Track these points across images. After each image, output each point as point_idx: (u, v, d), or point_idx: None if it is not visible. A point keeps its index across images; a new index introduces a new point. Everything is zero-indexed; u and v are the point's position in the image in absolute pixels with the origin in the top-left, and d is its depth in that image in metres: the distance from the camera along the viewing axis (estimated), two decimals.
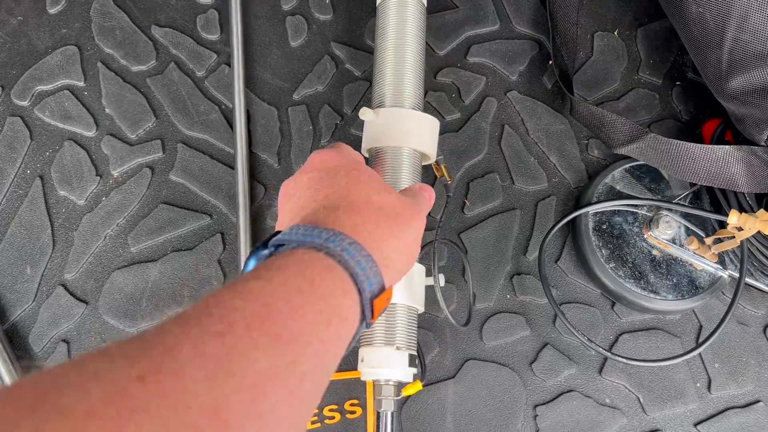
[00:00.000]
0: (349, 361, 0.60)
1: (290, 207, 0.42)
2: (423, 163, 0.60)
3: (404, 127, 0.57)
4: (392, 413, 0.52)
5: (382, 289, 0.37)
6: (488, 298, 0.63)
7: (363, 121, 0.60)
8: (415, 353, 0.53)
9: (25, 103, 0.69)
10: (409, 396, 0.60)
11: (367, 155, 0.60)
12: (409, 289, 0.53)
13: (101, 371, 0.22)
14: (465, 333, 0.62)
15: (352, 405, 0.60)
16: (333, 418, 0.60)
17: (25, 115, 0.69)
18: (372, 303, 0.36)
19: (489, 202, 0.66)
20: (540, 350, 0.62)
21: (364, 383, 0.61)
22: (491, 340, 0.62)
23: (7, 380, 0.59)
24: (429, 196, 0.49)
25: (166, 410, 0.22)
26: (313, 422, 0.59)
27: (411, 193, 0.48)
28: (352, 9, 0.73)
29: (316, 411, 0.60)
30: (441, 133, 0.68)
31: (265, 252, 0.36)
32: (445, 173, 0.61)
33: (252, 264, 0.36)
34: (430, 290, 0.57)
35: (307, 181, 0.42)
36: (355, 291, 0.35)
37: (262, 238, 0.63)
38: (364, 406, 0.60)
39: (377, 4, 0.62)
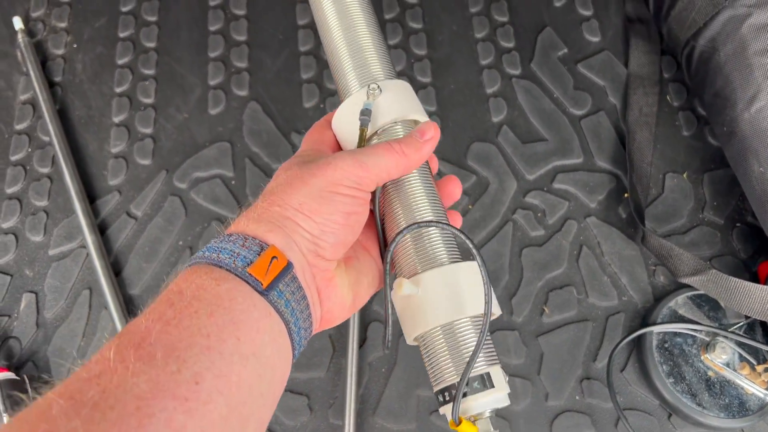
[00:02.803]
0: None
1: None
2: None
3: (391, 103, 0.42)
4: None
5: (260, 251, 0.34)
6: (559, 397, 0.73)
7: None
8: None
9: (183, 186, 0.84)
10: None
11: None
12: (455, 296, 0.39)
13: None
14: (537, 425, 0.71)
15: None
16: None
17: (182, 196, 0.84)
18: (250, 272, 0.33)
19: (565, 312, 0.77)
20: None
21: None
22: None
23: None
24: (420, 133, 0.40)
25: None
26: None
27: (371, 149, 0.39)
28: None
29: None
30: (526, 246, 0.80)
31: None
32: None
33: None
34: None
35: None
36: (226, 272, 0.33)
37: None
38: None
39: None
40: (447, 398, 0.37)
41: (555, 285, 0.78)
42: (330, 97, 0.89)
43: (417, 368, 0.74)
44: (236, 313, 0.31)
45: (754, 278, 0.78)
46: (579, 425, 0.71)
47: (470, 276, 0.39)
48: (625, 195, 0.83)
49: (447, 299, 0.38)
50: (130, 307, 0.77)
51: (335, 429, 0.72)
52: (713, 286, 0.72)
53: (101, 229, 0.81)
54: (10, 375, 0.70)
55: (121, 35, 0.95)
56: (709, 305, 0.75)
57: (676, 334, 0.74)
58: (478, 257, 0.38)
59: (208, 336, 0.29)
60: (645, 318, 0.76)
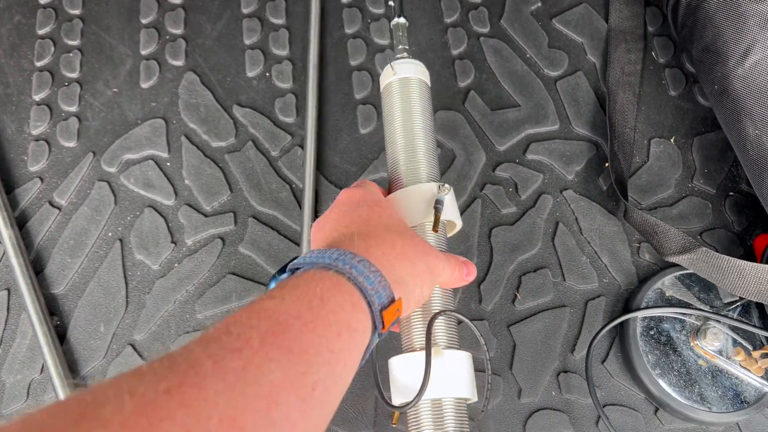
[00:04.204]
0: None
1: (317, 239, 0.47)
2: (449, 234, 0.60)
3: (425, 202, 0.55)
4: None
5: (392, 301, 0.40)
6: (534, 394, 0.65)
7: None
8: None
9: (112, 170, 0.75)
10: None
11: None
12: (453, 377, 0.50)
13: (134, 387, 0.25)
14: (508, 426, 0.64)
15: None
16: None
17: (111, 181, 0.75)
18: (382, 314, 0.39)
19: (540, 297, 0.69)
20: None
21: None
22: None
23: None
24: (467, 271, 0.53)
25: (190, 419, 0.25)
26: None
27: (446, 254, 0.52)
28: None
29: None
30: (496, 225, 0.72)
31: (284, 275, 0.42)
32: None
33: (272, 286, 0.40)
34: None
35: (334, 215, 0.48)
36: (365, 304, 0.38)
37: None
38: None
39: (381, 89, 0.64)
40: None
41: (528, 268, 0.70)
42: (276, 64, 0.80)
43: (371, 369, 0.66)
44: (357, 341, 0.37)
45: (749, 253, 0.70)
46: (556, 424, 0.64)
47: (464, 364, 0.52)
48: (606, 165, 0.75)
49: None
50: (52, 308, 0.69)
51: None
52: (704, 266, 0.64)
53: (20, 223, 0.72)
54: None
55: (42, 2, 0.84)
56: (699, 286, 0.68)
57: (662, 319, 0.66)
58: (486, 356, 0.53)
59: (331, 351, 0.33)
60: (628, 302, 0.68)
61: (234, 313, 0.32)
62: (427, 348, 0.49)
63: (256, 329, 0.31)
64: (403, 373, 0.51)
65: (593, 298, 0.69)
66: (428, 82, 0.63)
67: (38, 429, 0.24)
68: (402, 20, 0.67)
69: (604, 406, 0.65)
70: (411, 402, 0.47)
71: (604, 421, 0.62)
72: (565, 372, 0.66)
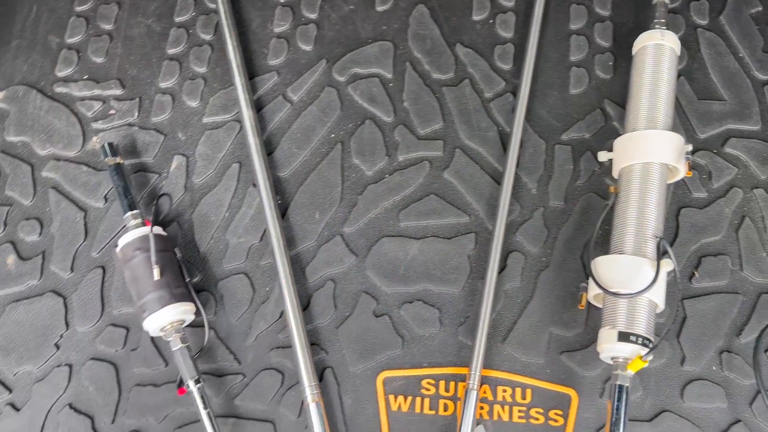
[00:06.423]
0: (560, 376, 0.69)
1: None
2: (669, 181, 0.70)
3: (653, 144, 0.68)
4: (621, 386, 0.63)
5: None
6: (696, 364, 0.70)
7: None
8: (627, 331, 0.63)
9: (341, 79, 0.82)
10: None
11: (616, 176, 0.72)
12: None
13: None
14: (668, 386, 0.69)
15: (556, 414, 0.69)
16: (537, 419, 0.69)
17: (340, 89, 0.82)
18: None
19: (716, 280, 0.73)
20: (733, 424, 0.68)
21: (569, 398, 0.69)
22: (690, 401, 0.69)
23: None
24: None
25: None
26: (519, 417, 0.68)
27: None
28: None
29: (524, 408, 0.69)
30: (685, 206, 0.76)
31: None
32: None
33: None
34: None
35: None
36: None
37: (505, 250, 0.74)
38: (565, 418, 0.68)
39: (633, 53, 0.74)
40: (635, 341, 0.62)
41: (709, 251, 0.74)
42: (501, 13, 0.85)
43: (553, 306, 0.72)
44: None
45: None
46: (712, 396, 0.69)
47: None
48: None
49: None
50: (278, 188, 0.77)
51: (462, 347, 0.71)
52: None
53: (257, 107, 0.81)
54: (160, 230, 0.72)
55: None
56: None
57: None
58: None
59: None
60: None
61: None
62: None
63: None
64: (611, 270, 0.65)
65: (767, 292, 0.73)
66: (678, 52, 0.72)
67: None
68: None
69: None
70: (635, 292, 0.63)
71: (765, 401, 0.67)
72: (729, 352, 0.71)
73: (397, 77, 0.82)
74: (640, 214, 0.68)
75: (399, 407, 0.70)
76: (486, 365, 0.70)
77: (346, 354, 0.72)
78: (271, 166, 0.78)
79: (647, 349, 0.63)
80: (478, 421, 0.68)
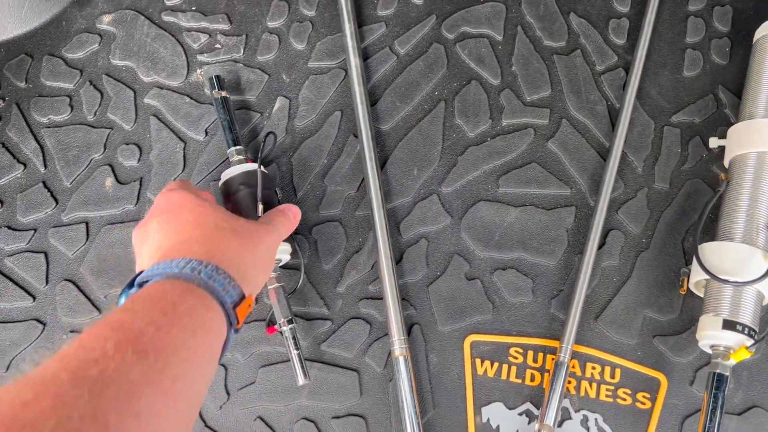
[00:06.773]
0: (651, 360, 0.68)
1: (146, 249, 0.51)
2: None
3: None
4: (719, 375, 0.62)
5: (243, 298, 0.46)
6: None
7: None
8: (732, 320, 0.62)
9: (450, 36, 0.81)
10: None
11: (726, 165, 0.70)
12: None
13: (2, 401, 0.30)
14: (761, 382, 0.68)
15: (643, 397, 0.68)
16: (624, 399, 0.68)
17: (447, 46, 0.80)
18: (235, 311, 0.45)
19: None
20: None
21: (659, 382, 0.68)
22: None
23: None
24: (292, 214, 0.63)
25: (50, 421, 0.29)
26: (606, 395, 0.67)
27: (267, 218, 0.60)
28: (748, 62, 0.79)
29: (611, 387, 0.68)
30: None
31: (133, 290, 0.45)
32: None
33: (122, 300, 0.45)
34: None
35: (157, 225, 0.51)
36: (218, 304, 0.43)
37: (624, 226, 0.72)
38: (653, 402, 0.67)
39: (754, 40, 0.72)
40: (741, 330, 0.62)
41: None
42: None
43: (650, 289, 0.71)
44: (212, 338, 0.42)
45: None
46: None
47: None
48: None
49: None
50: (378, 140, 0.76)
51: (552, 319, 0.70)
52: None
53: (363, 57, 0.79)
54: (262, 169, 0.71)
55: None
56: None
57: None
58: None
59: (188, 349, 0.38)
60: None
61: (90, 326, 0.36)
62: None
63: (111, 339, 0.35)
64: (719, 256, 0.64)
65: None
66: None
67: None
68: None
69: None
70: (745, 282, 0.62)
71: None
72: None
73: (507, 40, 0.80)
74: (752, 203, 0.66)
75: (485, 372, 0.69)
76: (576, 341, 0.69)
77: (436, 312, 0.71)
78: (372, 117, 0.77)
79: (752, 340, 0.62)
80: (564, 395, 0.67)
